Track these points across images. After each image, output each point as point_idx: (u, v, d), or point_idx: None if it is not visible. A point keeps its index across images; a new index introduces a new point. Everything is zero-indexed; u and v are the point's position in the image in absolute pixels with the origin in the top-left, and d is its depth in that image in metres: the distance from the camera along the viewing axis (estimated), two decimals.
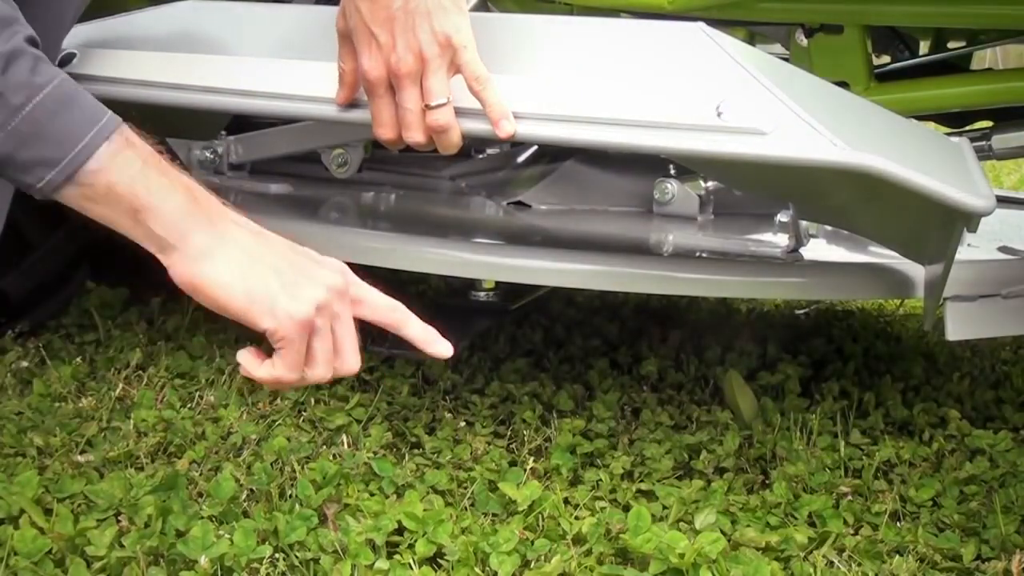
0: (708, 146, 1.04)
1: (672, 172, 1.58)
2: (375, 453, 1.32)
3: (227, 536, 1.07)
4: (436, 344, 1.03)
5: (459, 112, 1.10)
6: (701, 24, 1.11)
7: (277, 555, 1.07)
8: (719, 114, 1.04)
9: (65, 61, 1.36)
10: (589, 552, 1.11)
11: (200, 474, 1.24)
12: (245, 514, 1.15)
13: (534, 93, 1.11)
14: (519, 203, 1.65)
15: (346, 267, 1.01)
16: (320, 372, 0.98)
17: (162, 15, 1.37)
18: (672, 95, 1.07)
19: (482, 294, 1.48)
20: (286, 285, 0.94)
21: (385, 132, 1.12)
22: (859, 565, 1.12)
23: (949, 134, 1.50)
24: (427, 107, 1.09)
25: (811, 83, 1.17)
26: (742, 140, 1.03)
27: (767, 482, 1.31)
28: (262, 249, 0.95)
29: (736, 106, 1.04)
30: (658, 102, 1.07)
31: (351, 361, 1.00)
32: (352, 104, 1.16)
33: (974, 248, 1.45)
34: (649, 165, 1.60)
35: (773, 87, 1.05)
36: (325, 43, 1.15)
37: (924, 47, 1.81)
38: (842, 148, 1.00)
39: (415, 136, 1.11)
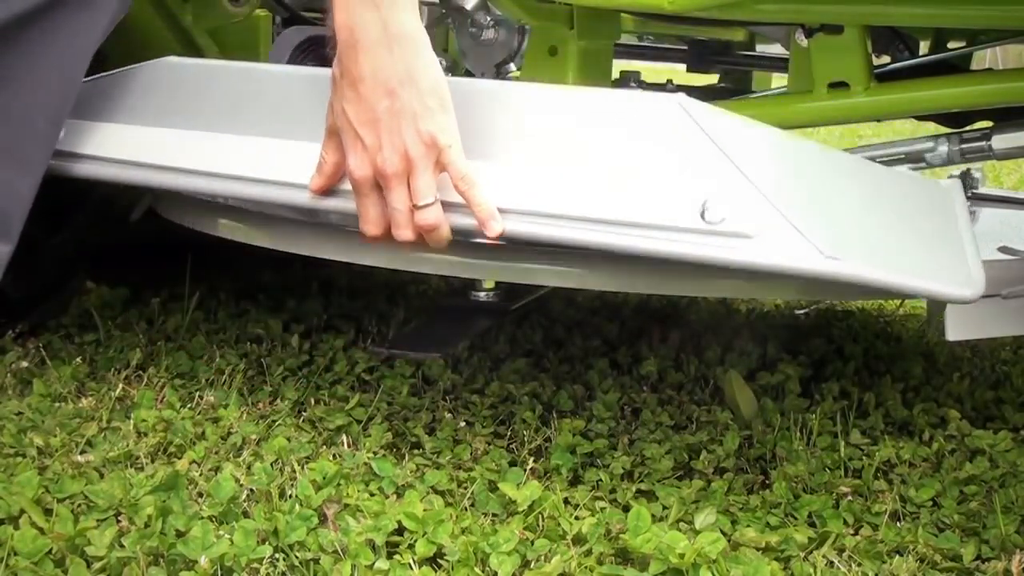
0: (694, 250, 1.05)
1: None
2: (375, 453, 1.32)
3: (227, 536, 1.07)
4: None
5: (447, 206, 1.11)
6: (680, 97, 1.11)
7: (277, 555, 1.07)
8: (703, 212, 1.05)
9: None
10: (589, 552, 1.11)
11: (200, 474, 1.24)
12: (245, 514, 1.15)
13: (517, 186, 1.11)
14: None
15: None
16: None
17: (135, 77, 1.36)
18: (657, 191, 1.08)
19: (482, 294, 1.48)
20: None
21: (372, 229, 1.13)
22: (859, 565, 1.12)
23: (949, 134, 1.50)
24: (415, 207, 1.09)
25: (788, 157, 1.16)
26: (727, 244, 1.04)
27: (767, 482, 1.31)
28: None
29: (720, 206, 1.05)
30: (644, 202, 1.07)
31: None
32: (326, 193, 1.16)
33: None
34: None
35: (757, 180, 1.05)
36: (296, 116, 1.15)
37: (924, 47, 1.80)
38: (826, 258, 1.02)
39: (404, 234, 1.11)
